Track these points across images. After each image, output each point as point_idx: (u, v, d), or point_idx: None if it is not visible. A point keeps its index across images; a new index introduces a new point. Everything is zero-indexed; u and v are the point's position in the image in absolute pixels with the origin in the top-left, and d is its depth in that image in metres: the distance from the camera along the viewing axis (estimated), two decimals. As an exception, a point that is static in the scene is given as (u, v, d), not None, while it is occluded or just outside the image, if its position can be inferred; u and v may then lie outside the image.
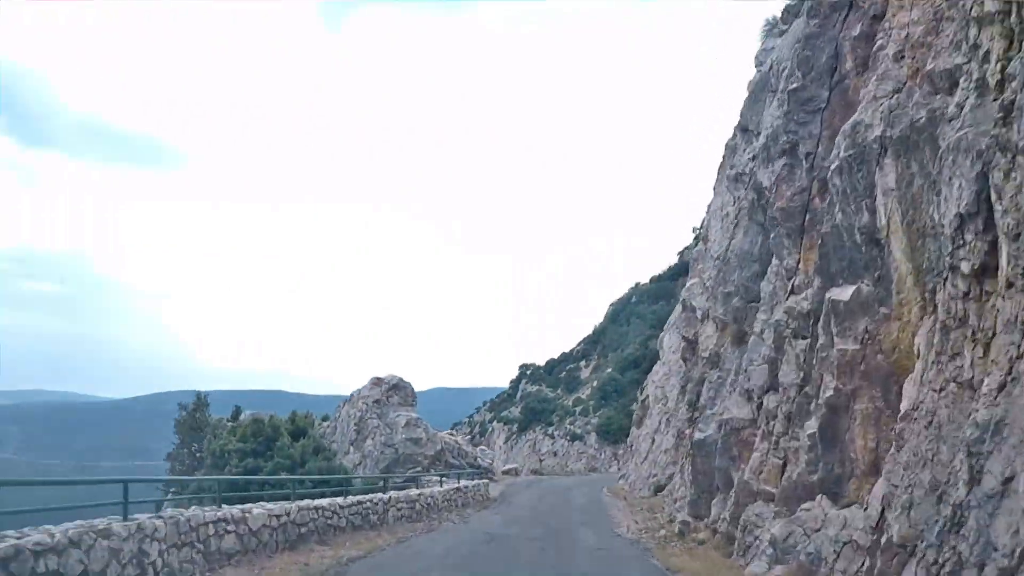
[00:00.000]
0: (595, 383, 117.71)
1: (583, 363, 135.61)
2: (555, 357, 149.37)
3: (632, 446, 65.41)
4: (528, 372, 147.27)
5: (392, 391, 55.44)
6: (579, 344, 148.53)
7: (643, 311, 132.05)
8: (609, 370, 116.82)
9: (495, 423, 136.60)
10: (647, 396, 61.64)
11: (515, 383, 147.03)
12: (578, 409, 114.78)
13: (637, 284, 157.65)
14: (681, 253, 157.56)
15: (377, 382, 56.26)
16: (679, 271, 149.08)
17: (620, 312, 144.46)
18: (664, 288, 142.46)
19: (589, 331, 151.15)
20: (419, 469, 47.77)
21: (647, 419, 58.49)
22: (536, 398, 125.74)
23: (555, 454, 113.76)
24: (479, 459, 58.21)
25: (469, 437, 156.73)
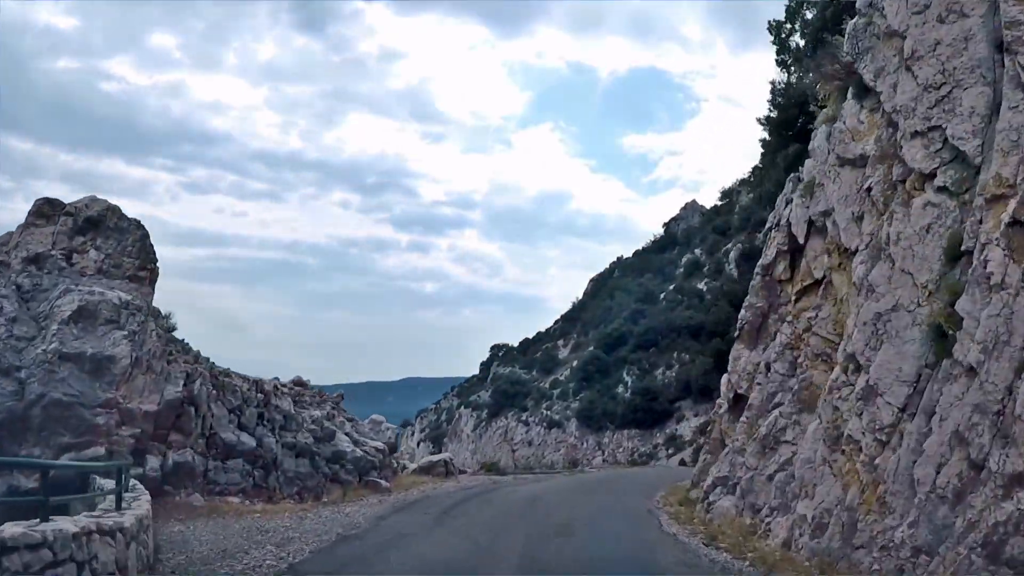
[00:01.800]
0: (575, 363, 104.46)
1: (561, 342, 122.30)
2: (530, 337, 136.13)
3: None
4: (501, 353, 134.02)
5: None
6: (556, 322, 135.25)
7: (628, 284, 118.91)
8: (591, 348, 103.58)
9: (462, 409, 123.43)
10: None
11: (486, 365, 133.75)
12: (556, 392, 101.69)
13: (620, 258, 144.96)
14: (667, 225, 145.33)
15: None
16: (665, 244, 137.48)
17: (602, 287, 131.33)
18: (649, 261, 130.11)
19: (568, 307, 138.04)
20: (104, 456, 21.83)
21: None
22: (508, 380, 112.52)
23: (530, 443, 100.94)
24: (354, 438, 34.18)
25: (425, 431, 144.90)
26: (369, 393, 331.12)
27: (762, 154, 63.03)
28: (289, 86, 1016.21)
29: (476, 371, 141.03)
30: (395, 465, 36.53)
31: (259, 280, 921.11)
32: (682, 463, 73.48)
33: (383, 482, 32.14)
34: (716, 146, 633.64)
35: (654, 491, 32.15)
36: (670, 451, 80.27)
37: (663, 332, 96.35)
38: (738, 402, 26.01)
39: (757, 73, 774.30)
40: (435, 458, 41.47)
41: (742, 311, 27.72)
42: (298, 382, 36.81)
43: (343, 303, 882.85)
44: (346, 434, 34.10)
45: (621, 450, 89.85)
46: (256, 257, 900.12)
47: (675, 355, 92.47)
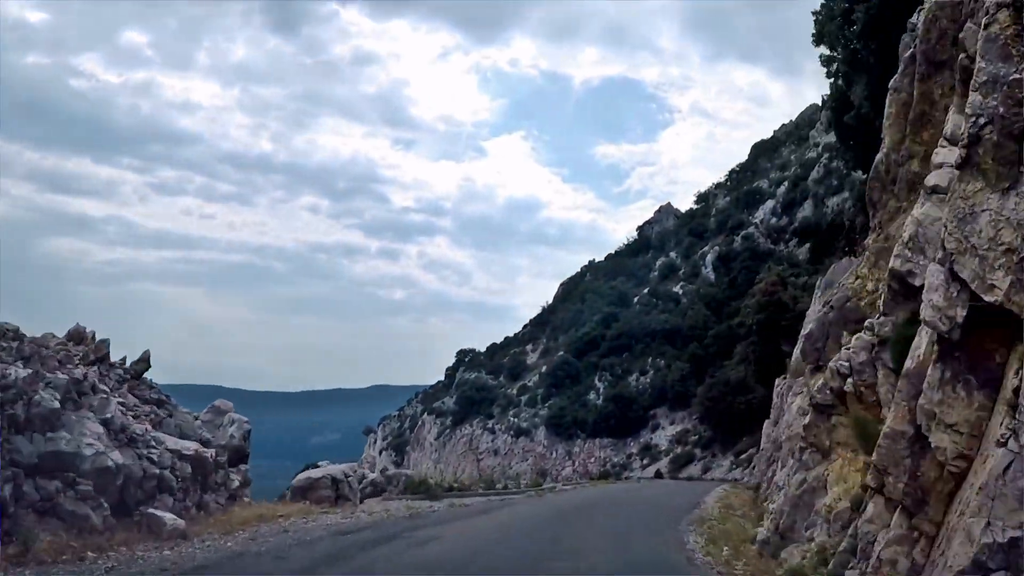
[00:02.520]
0: (544, 368, 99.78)
1: (530, 347, 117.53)
2: (498, 342, 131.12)
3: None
4: (467, 359, 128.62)
5: None
6: (525, 327, 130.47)
7: (600, 287, 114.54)
8: (561, 353, 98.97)
9: (425, 416, 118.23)
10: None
11: (452, 371, 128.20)
12: (524, 399, 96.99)
13: (592, 262, 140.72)
14: (641, 228, 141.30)
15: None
16: (639, 247, 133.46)
17: (572, 290, 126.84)
18: (622, 265, 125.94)
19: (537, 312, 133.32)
20: None
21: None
22: (473, 386, 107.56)
23: (496, 452, 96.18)
24: (134, 435, 17.00)
25: (387, 439, 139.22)
26: (337, 400, 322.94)
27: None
28: (261, 88, 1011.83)
29: (443, 377, 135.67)
30: (235, 484, 21.03)
31: (227, 284, 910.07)
32: (658, 475, 69.19)
33: (171, 519, 15.69)
34: (689, 158, 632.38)
35: (680, 530, 20.62)
36: (645, 461, 75.92)
37: (637, 336, 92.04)
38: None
39: (730, 84, 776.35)
40: (316, 474, 25.28)
41: None
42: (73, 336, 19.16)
43: (311, 309, 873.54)
44: (117, 428, 16.32)
45: (593, 460, 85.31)
46: (224, 260, 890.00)
47: (650, 360, 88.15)
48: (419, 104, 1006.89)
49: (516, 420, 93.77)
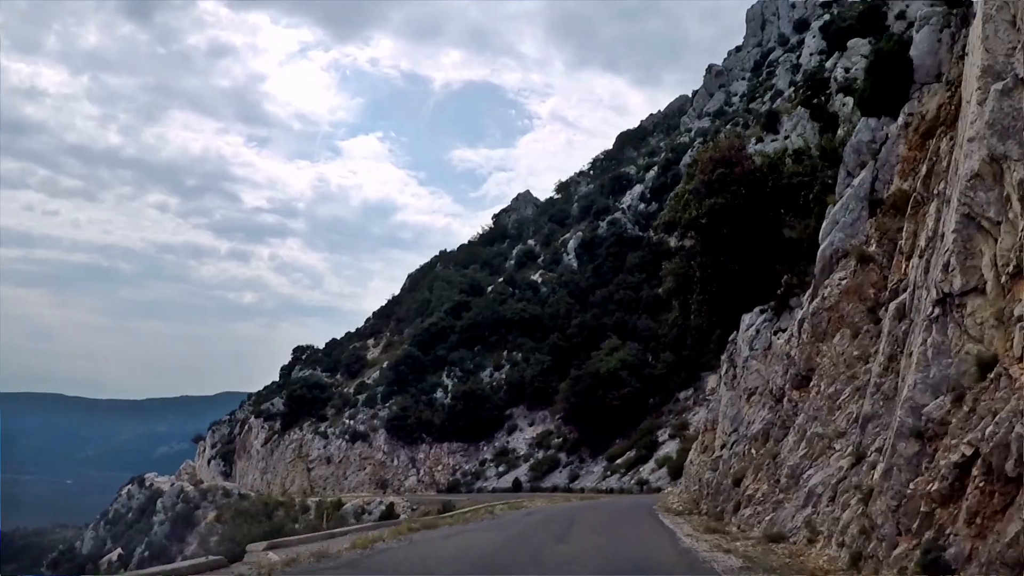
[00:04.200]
0: (385, 364, 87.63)
1: (371, 341, 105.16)
2: (338, 337, 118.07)
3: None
4: (304, 356, 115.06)
5: None
6: (368, 320, 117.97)
7: (451, 276, 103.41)
8: (405, 346, 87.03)
9: (252, 419, 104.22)
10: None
11: (287, 370, 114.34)
12: (361, 398, 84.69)
13: (443, 252, 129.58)
14: (497, 216, 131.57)
15: None
16: (495, 236, 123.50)
17: (420, 280, 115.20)
18: (476, 253, 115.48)
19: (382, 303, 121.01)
20: None
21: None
22: (304, 384, 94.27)
23: (329, 460, 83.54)
24: None
25: (216, 447, 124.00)
26: (186, 408, 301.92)
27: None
28: (111, 77, 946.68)
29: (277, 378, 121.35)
30: None
31: (70, 286, 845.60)
32: (516, 485, 58.64)
33: None
34: (547, 165, 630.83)
35: None
36: (501, 469, 65.20)
37: (491, 327, 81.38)
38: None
39: (591, 93, 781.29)
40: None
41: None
42: None
43: (159, 312, 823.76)
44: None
45: (441, 468, 73.99)
46: (67, 260, 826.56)
47: (505, 353, 77.64)
48: (275, 100, 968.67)
49: (352, 423, 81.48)
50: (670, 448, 47.96)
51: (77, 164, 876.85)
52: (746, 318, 27.75)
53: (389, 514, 62.38)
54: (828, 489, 14.33)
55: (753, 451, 20.70)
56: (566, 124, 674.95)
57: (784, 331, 23.48)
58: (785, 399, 19.55)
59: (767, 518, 16.92)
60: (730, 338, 31.04)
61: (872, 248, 17.02)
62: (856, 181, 19.04)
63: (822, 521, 14.02)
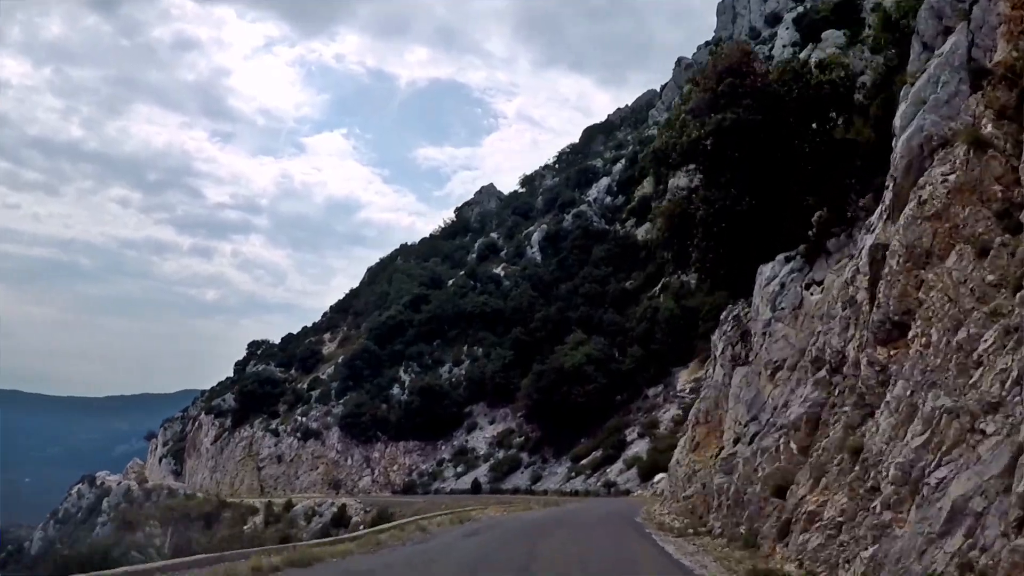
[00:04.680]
0: (341, 359, 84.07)
1: (328, 335, 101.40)
2: (295, 332, 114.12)
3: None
4: (259, 351, 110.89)
5: None
6: (325, 314, 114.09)
7: (411, 269, 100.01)
8: (362, 340, 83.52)
9: (203, 416, 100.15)
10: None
11: (241, 365, 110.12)
12: (315, 394, 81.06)
13: (404, 245, 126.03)
14: (460, 209, 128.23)
15: None
16: (457, 230, 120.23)
17: (380, 273, 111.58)
18: (438, 247, 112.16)
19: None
20: None
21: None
22: (256, 379, 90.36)
23: (280, 459, 79.89)
24: None
25: (168, 444, 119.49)
26: (146, 406, 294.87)
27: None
28: (75, 69, 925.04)
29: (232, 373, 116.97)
30: None
31: (30, 281, 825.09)
32: (475, 487, 55.60)
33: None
34: (512, 165, 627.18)
35: None
36: (460, 469, 62.14)
37: (451, 321, 78.23)
38: None
39: (557, 92, 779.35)
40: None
41: None
42: None
43: (120, 309, 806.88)
44: None
45: (396, 468, 70.72)
46: (27, 255, 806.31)
47: (465, 348, 74.52)
48: (239, 95, 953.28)
49: (304, 420, 77.91)
50: (639, 448, 45.09)
51: (39, 157, 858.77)
52: (764, 270, 21.48)
53: (340, 517, 59.27)
54: (989, 501, 8.33)
55: (794, 446, 15.48)
56: (532, 123, 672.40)
57: (819, 284, 18.52)
58: (860, 365, 13.66)
59: (864, 553, 10.79)
60: (725, 311, 26.14)
61: (988, 130, 11.75)
62: (944, 49, 13.60)
63: (993, 561, 7.87)
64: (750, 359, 21.24)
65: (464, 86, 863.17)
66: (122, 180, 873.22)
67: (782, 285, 20.18)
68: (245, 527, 70.01)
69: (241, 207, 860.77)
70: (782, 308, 19.55)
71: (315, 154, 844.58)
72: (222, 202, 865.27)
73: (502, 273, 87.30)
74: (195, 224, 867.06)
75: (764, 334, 19.95)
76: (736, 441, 19.54)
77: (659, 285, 63.47)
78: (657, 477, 37.40)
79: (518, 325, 69.22)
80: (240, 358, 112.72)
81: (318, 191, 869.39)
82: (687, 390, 47.33)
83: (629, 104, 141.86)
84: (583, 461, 49.31)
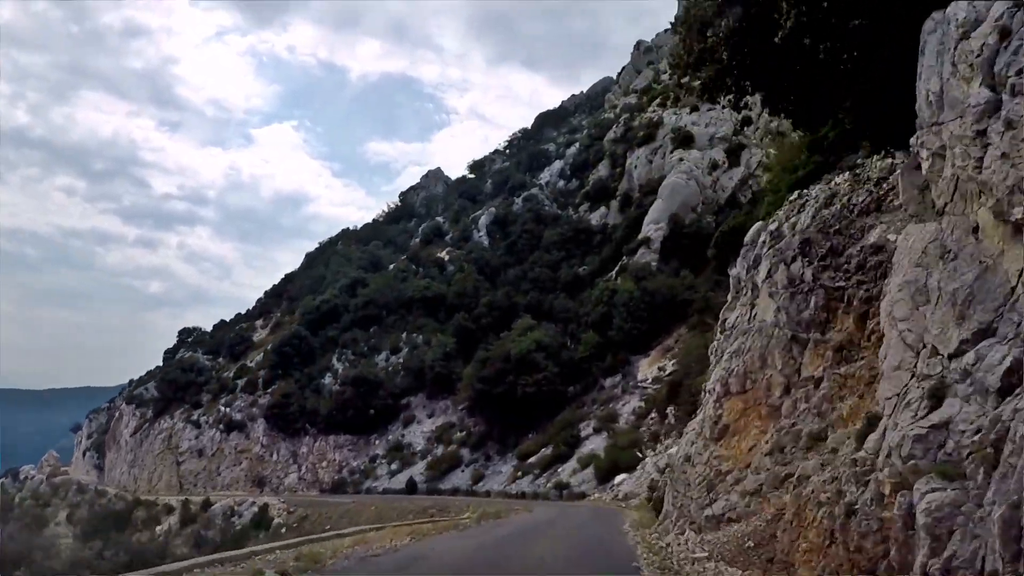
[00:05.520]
0: (270, 346, 77.85)
1: (260, 321, 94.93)
2: (228, 319, 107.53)
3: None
4: (189, 339, 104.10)
5: None
6: (259, 300, 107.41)
7: (350, 252, 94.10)
8: (294, 326, 77.34)
9: (124, 406, 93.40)
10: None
11: (171, 353, 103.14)
12: (240, 383, 74.74)
13: (345, 230, 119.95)
14: (405, 194, 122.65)
15: None
16: (401, 215, 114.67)
17: (318, 258, 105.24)
18: (381, 231, 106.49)
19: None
20: None
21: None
22: (180, 366, 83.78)
23: (201, 452, 73.47)
24: None
25: (92, 437, 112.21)
26: (88, 399, 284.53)
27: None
28: (23, 54, 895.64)
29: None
30: None
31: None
32: (411, 487, 50.15)
33: None
34: (463, 161, 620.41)
35: None
36: (394, 467, 56.57)
37: (390, 306, 72.55)
38: None
39: (510, 90, 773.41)
40: None
41: None
42: None
43: (63, 300, 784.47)
44: None
45: (325, 464, 64.91)
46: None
47: (404, 335, 68.85)
48: (188, 85, 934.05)
49: (228, 410, 71.62)
50: (596, 444, 39.73)
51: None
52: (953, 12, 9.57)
53: (262, 519, 53.54)
54: None
55: None
56: (484, 120, 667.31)
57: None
58: None
59: None
60: (758, 225, 17.07)
61: None
62: None
63: None
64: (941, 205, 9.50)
65: (416, 80, 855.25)
66: (68, 168, 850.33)
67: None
68: (159, 528, 64.60)
69: (188, 198, 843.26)
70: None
71: (264, 146, 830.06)
72: (169, 193, 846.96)
73: (447, 257, 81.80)
74: (141, 215, 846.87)
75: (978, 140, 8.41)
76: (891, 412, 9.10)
77: (616, 267, 58.46)
78: (618, 478, 32.26)
79: (462, 311, 63.86)
80: (171, 346, 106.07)
81: (266, 183, 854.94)
82: (649, 380, 42.31)
83: (584, 91, 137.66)
84: (531, 459, 43.92)
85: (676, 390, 33.25)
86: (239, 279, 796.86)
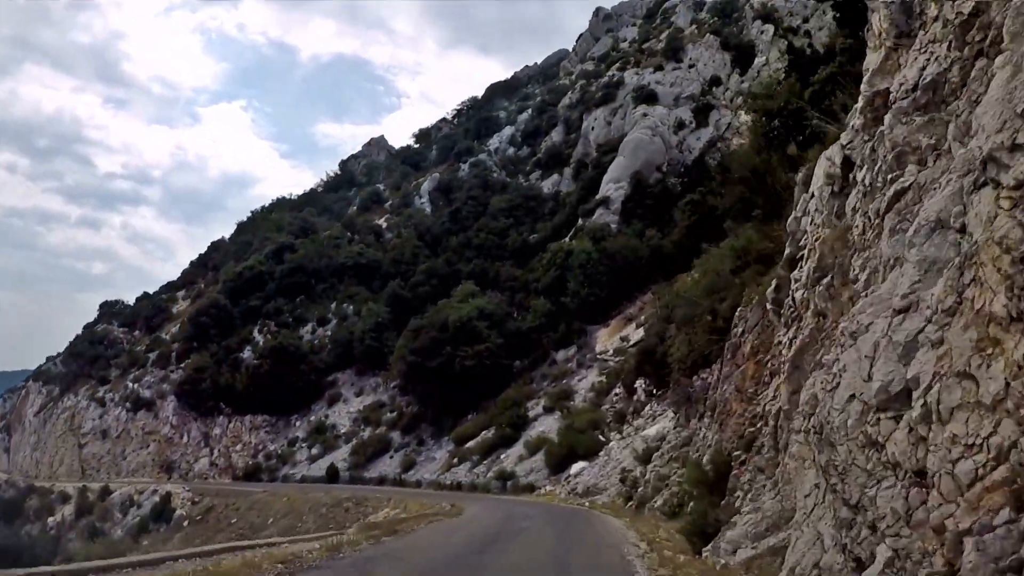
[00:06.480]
0: (188, 316, 70.56)
1: (183, 292, 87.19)
2: (151, 291, 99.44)
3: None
4: (112, 311, 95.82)
5: None
6: (185, 270, 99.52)
7: (281, 220, 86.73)
8: (216, 295, 70.07)
9: (31, 383, 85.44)
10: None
11: (91, 327, 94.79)
12: (152, 356, 67.42)
13: (280, 198, 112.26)
14: (345, 162, 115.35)
15: None
16: (340, 183, 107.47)
17: (249, 227, 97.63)
18: (317, 199, 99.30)
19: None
20: None
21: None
22: (90, 339, 76.22)
23: (105, 434, 66.15)
24: None
25: (3, 420, 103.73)
26: (12, 380, 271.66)
27: None
28: None
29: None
30: None
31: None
32: (332, 475, 43.80)
33: None
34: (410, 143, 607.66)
35: None
36: (315, 451, 50.07)
37: (320, 274, 65.80)
38: None
39: (463, 74, 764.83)
40: None
41: None
42: None
43: (2, 281, 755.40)
44: None
45: (240, 448, 58.19)
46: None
47: (334, 305, 62.20)
48: (135, 61, 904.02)
49: (136, 387, 64.41)
50: (546, 426, 33.60)
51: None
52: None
53: (163, 510, 46.96)
54: None
55: None
56: (435, 105, 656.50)
57: None
58: None
59: None
60: None
61: None
62: None
63: None
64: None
65: (368, 63, 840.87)
66: (10, 145, 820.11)
67: None
68: (51, 519, 57.90)
69: (133, 177, 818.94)
70: None
71: (211, 125, 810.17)
72: (113, 172, 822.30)
73: (384, 224, 75.12)
74: (84, 194, 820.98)
75: None
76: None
77: (571, 232, 52.40)
78: (575, 467, 26.17)
79: (397, 277, 57.42)
80: (91, 320, 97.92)
81: (213, 164, 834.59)
82: (610, 351, 36.23)
83: (539, 62, 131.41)
84: (469, 444, 37.62)
85: (648, 360, 27.06)
86: (183, 261, 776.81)
